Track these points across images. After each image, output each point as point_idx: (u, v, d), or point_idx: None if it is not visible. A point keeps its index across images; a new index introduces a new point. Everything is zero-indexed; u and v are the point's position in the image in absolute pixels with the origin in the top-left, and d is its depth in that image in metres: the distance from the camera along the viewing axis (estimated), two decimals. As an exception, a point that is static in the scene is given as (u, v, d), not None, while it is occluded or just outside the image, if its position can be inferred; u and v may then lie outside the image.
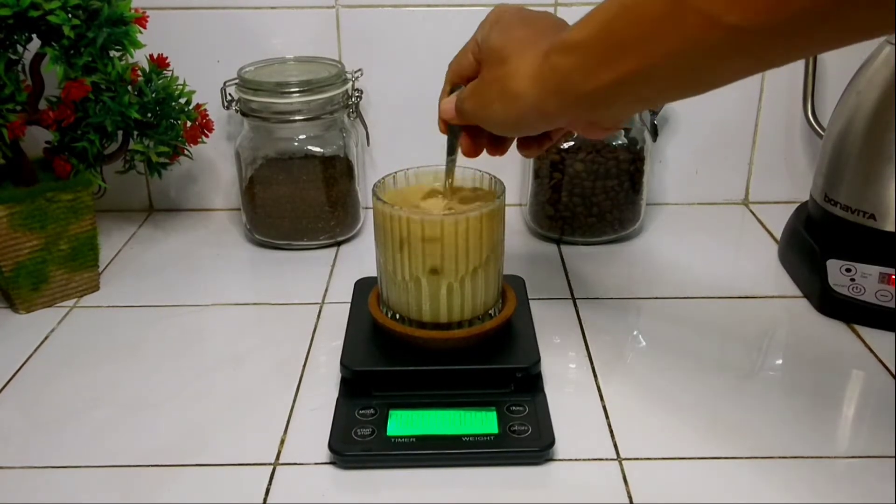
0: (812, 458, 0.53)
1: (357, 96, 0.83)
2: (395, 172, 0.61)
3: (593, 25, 0.43)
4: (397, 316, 0.60)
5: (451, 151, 0.59)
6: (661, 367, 0.63)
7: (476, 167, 0.61)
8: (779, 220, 0.83)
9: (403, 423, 0.54)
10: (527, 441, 0.52)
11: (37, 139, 0.72)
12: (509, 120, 0.50)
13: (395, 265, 0.58)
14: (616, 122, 0.51)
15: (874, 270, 0.68)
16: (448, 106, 0.55)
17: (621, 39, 0.41)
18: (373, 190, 0.59)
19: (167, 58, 0.73)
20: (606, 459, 0.53)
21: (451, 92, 0.56)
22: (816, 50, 0.38)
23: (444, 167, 0.60)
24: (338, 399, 0.57)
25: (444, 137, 0.58)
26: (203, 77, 0.79)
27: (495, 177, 0.61)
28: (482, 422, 0.54)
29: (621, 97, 0.44)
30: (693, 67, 0.40)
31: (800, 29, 0.35)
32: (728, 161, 0.92)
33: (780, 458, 0.53)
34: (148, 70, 0.72)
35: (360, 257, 0.82)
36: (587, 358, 0.64)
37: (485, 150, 0.58)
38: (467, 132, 0.57)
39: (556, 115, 0.48)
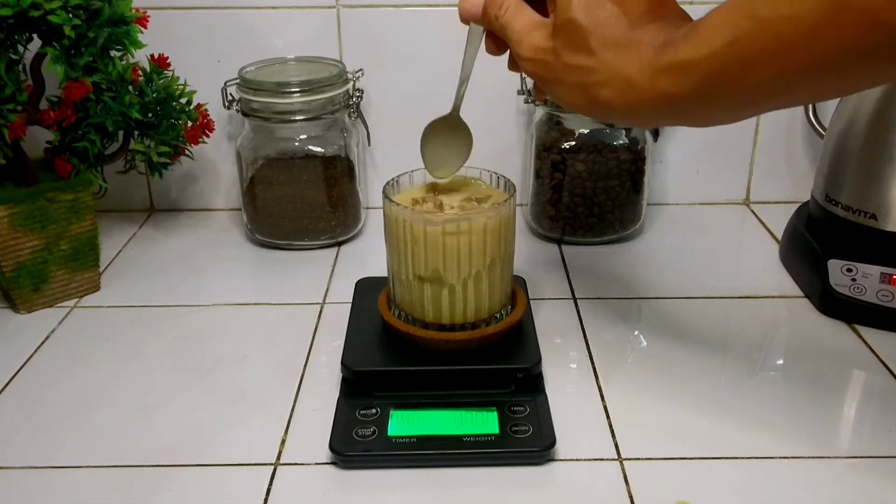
0: (812, 458, 0.53)
1: (358, 96, 0.83)
2: (412, 172, 0.61)
3: (713, 41, 0.38)
4: (403, 315, 0.60)
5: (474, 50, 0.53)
6: (661, 367, 0.63)
7: (483, 167, 0.61)
8: (780, 219, 0.83)
9: (404, 423, 0.54)
10: (528, 441, 0.52)
11: (37, 139, 0.72)
12: (580, 110, 0.45)
13: (400, 264, 0.58)
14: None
15: (875, 270, 0.68)
16: (473, 6, 0.49)
17: (751, 55, 0.37)
18: (384, 189, 0.59)
19: (168, 58, 0.73)
20: (607, 459, 0.53)
21: None
22: None
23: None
24: (339, 399, 0.57)
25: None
26: (204, 77, 0.79)
27: (508, 179, 0.60)
28: (483, 422, 0.54)
29: (734, 113, 0.41)
30: (841, 75, 0.36)
31: None
32: (729, 161, 0.92)
33: (780, 458, 0.53)
34: (149, 70, 0.72)
35: (361, 257, 0.82)
36: (588, 358, 0.64)
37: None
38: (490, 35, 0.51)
39: (648, 125, 0.44)
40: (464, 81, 0.55)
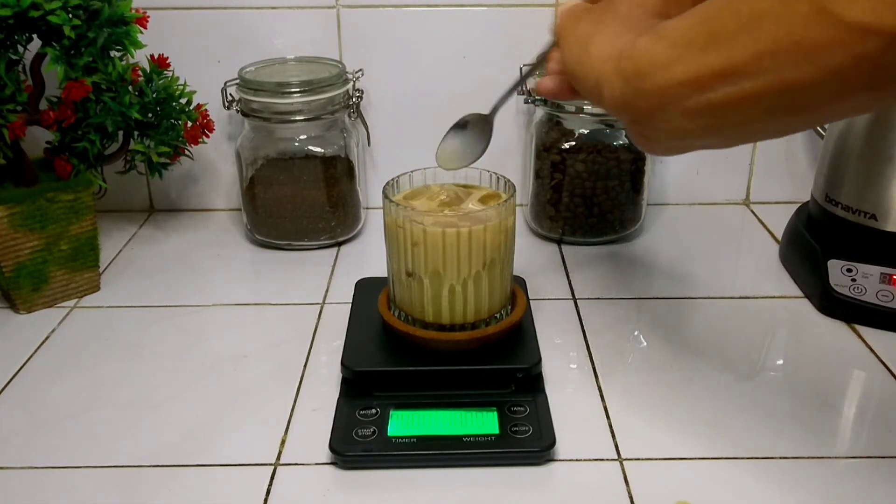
0: (812, 458, 0.53)
1: (358, 96, 0.83)
2: (412, 172, 0.61)
3: (690, 15, 0.39)
4: (403, 315, 0.60)
5: (541, 59, 0.54)
6: (661, 367, 0.63)
7: (483, 168, 0.61)
8: (780, 220, 0.83)
9: (404, 423, 0.54)
10: (528, 441, 0.52)
11: (37, 139, 0.72)
12: (572, 62, 0.48)
13: (400, 265, 0.58)
14: (667, 147, 0.45)
15: (875, 271, 0.68)
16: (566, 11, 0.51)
17: (713, 31, 0.37)
18: (383, 190, 0.59)
19: (168, 58, 0.73)
20: (607, 460, 0.53)
21: None
22: None
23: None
24: (338, 399, 0.57)
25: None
26: (204, 77, 0.79)
27: (508, 179, 0.60)
28: (483, 422, 0.54)
29: (682, 101, 0.39)
30: (791, 82, 0.34)
31: None
32: (729, 161, 0.92)
33: (780, 458, 0.53)
34: (149, 70, 0.72)
35: (361, 257, 0.82)
36: (588, 358, 0.64)
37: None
38: None
39: (615, 105, 0.44)
40: (514, 90, 0.56)
